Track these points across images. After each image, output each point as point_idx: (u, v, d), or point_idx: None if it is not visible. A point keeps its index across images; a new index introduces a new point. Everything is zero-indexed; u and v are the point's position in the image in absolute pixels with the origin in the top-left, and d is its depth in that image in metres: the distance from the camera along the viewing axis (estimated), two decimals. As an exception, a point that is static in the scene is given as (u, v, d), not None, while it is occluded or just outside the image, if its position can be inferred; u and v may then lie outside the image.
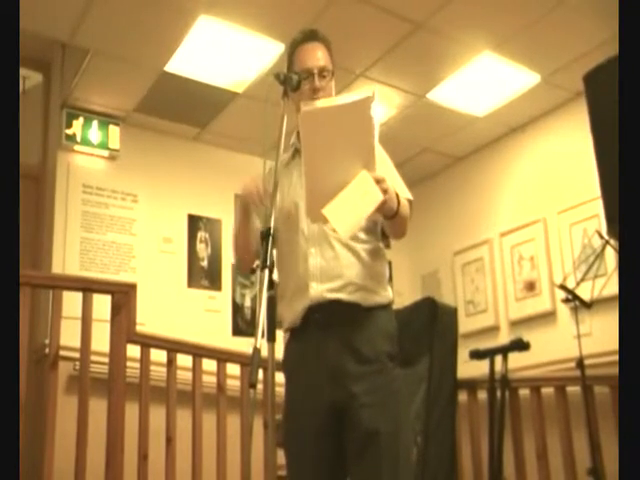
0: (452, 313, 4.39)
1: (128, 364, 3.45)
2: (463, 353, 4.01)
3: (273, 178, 2.11)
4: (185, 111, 5.28)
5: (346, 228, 1.99)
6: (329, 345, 2.18)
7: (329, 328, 2.19)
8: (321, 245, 2.23)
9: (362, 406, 2.12)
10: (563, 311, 5.01)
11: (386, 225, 2.26)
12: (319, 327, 2.20)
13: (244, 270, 2.52)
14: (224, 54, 4.59)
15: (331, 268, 2.21)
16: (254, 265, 2.41)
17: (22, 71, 4.79)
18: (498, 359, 3.67)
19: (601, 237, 3.84)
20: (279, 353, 2.22)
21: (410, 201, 2.30)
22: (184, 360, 3.78)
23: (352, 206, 1.96)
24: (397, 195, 2.13)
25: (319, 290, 2.20)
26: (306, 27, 2.50)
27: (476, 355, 3.77)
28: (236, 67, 4.74)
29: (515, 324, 5.42)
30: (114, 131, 5.26)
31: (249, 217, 2.35)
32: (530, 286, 5.35)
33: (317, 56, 2.35)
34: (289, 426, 2.26)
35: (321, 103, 2.21)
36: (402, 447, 2.16)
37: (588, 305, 3.76)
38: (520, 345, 3.60)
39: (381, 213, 2.11)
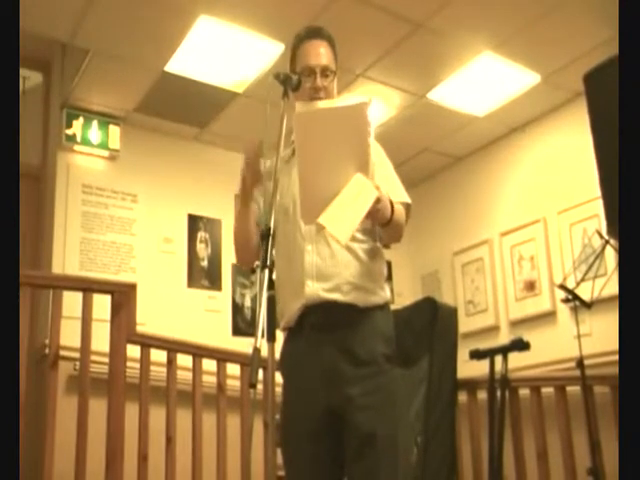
0: (452, 313, 4.40)
1: (128, 364, 3.45)
2: (463, 353, 4.01)
3: (273, 176, 2.11)
4: (185, 111, 5.28)
5: (343, 234, 1.96)
6: (325, 348, 2.16)
7: (325, 330, 2.17)
8: (318, 243, 2.21)
9: (359, 409, 2.11)
10: (563, 311, 5.01)
11: (380, 232, 2.24)
12: (314, 329, 2.18)
13: (245, 267, 2.47)
14: (224, 54, 4.58)
15: (327, 266, 2.19)
16: (254, 265, 2.40)
17: (22, 71, 4.79)
18: (498, 359, 3.67)
19: (601, 237, 3.84)
20: (279, 353, 2.23)
21: (408, 205, 2.29)
22: (184, 360, 3.78)
23: (347, 210, 1.95)
24: (391, 202, 2.11)
25: (314, 289, 2.18)
26: (310, 25, 2.49)
27: (476, 355, 3.77)
28: (236, 67, 4.74)
29: (515, 324, 5.42)
30: (114, 131, 5.25)
31: (248, 204, 2.28)
32: (530, 286, 5.35)
33: (320, 54, 2.34)
34: (286, 428, 2.25)
35: (316, 105, 2.21)
36: (400, 449, 2.15)
37: (588, 305, 3.76)
38: (520, 345, 3.60)
39: (375, 221, 2.10)
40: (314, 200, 1.98)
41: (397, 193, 2.27)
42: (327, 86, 2.32)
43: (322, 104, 2.26)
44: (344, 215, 1.95)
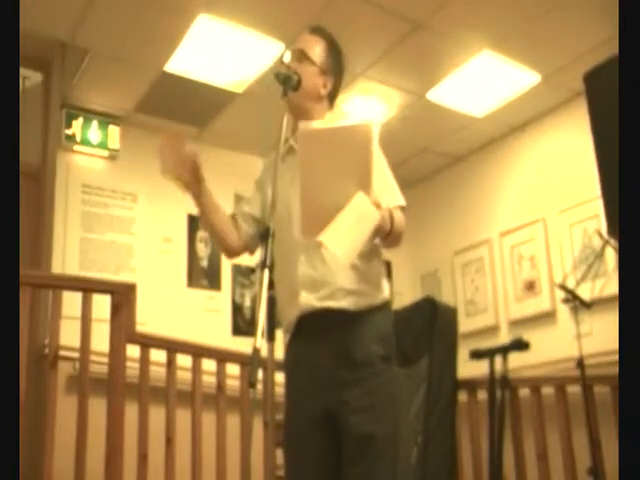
0: (452, 313, 4.40)
1: (128, 364, 3.45)
2: (463, 353, 4.01)
3: (271, 176, 2.11)
4: (185, 111, 5.27)
5: (345, 254, 1.95)
6: (320, 352, 2.16)
7: (320, 335, 2.17)
8: (310, 252, 2.19)
9: (355, 411, 2.10)
10: (563, 311, 5.00)
11: (380, 242, 2.23)
12: (310, 334, 2.19)
13: (229, 256, 2.48)
14: (224, 53, 4.58)
15: (320, 276, 2.17)
16: (240, 254, 2.41)
17: (22, 71, 4.78)
18: (498, 359, 3.67)
19: (601, 237, 3.84)
20: (279, 353, 2.23)
21: (403, 207, 2.27)
22: (184, 360, 3.78)
23: (349, 230, 1.94)
24: (391, 213, 2.10)
25: (308, 299, 2.17)
26: (307, 26, 2.49)
27: (476, 355, 3.76)
28: (236, 67, 4.74)
29: (515, 324, 5.42)
30: (114, 131, 5.25)
31: (197, 197, 2.41)
32: (530, 286, 5.35)
33: (302, 41, 2.36)
34: (287, 428, 2.25)
35: (319, 124, 2.20)
36: (400, 448, 2.15)
37: (588, 305, 3.76)
38: (520, 345, 3.60)
39: (375, 235, 2.09)
40: (315, 216, 1.98)
41: (393, 197, 2.25)
42: (296, 68, 2.29)
43: (326, 123, 2.25)
44: (346, 236, 1.94)
